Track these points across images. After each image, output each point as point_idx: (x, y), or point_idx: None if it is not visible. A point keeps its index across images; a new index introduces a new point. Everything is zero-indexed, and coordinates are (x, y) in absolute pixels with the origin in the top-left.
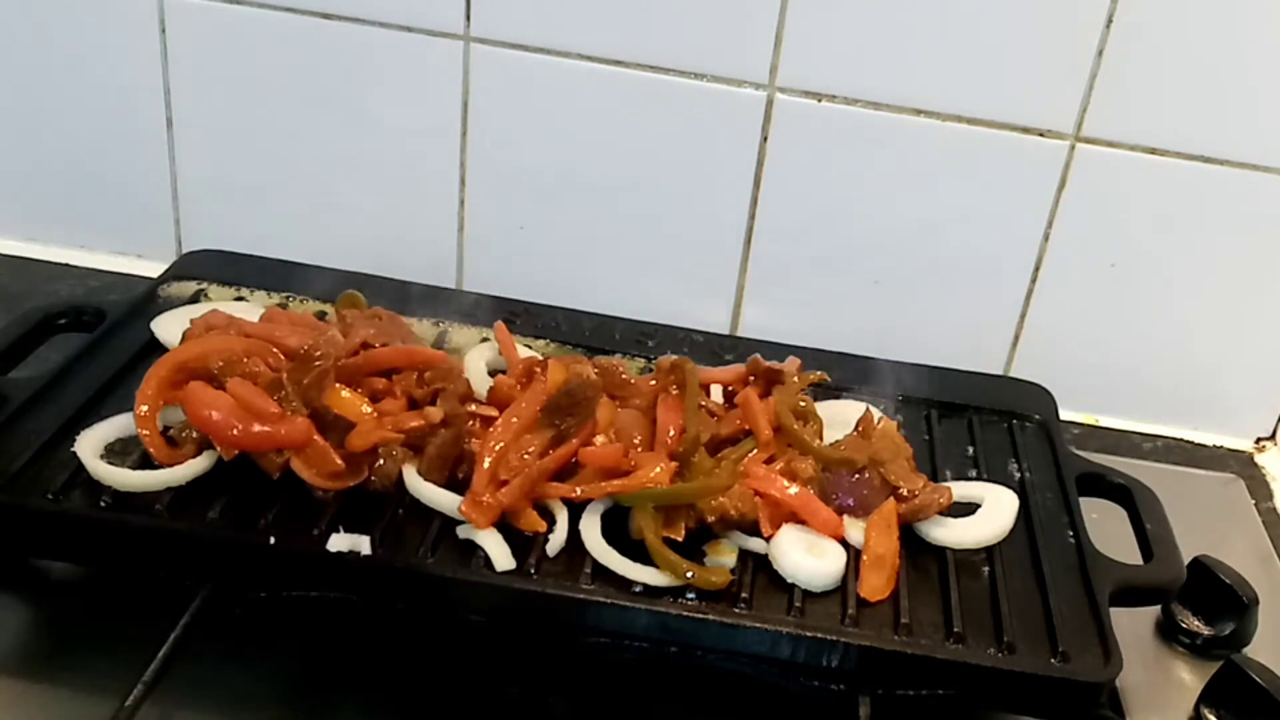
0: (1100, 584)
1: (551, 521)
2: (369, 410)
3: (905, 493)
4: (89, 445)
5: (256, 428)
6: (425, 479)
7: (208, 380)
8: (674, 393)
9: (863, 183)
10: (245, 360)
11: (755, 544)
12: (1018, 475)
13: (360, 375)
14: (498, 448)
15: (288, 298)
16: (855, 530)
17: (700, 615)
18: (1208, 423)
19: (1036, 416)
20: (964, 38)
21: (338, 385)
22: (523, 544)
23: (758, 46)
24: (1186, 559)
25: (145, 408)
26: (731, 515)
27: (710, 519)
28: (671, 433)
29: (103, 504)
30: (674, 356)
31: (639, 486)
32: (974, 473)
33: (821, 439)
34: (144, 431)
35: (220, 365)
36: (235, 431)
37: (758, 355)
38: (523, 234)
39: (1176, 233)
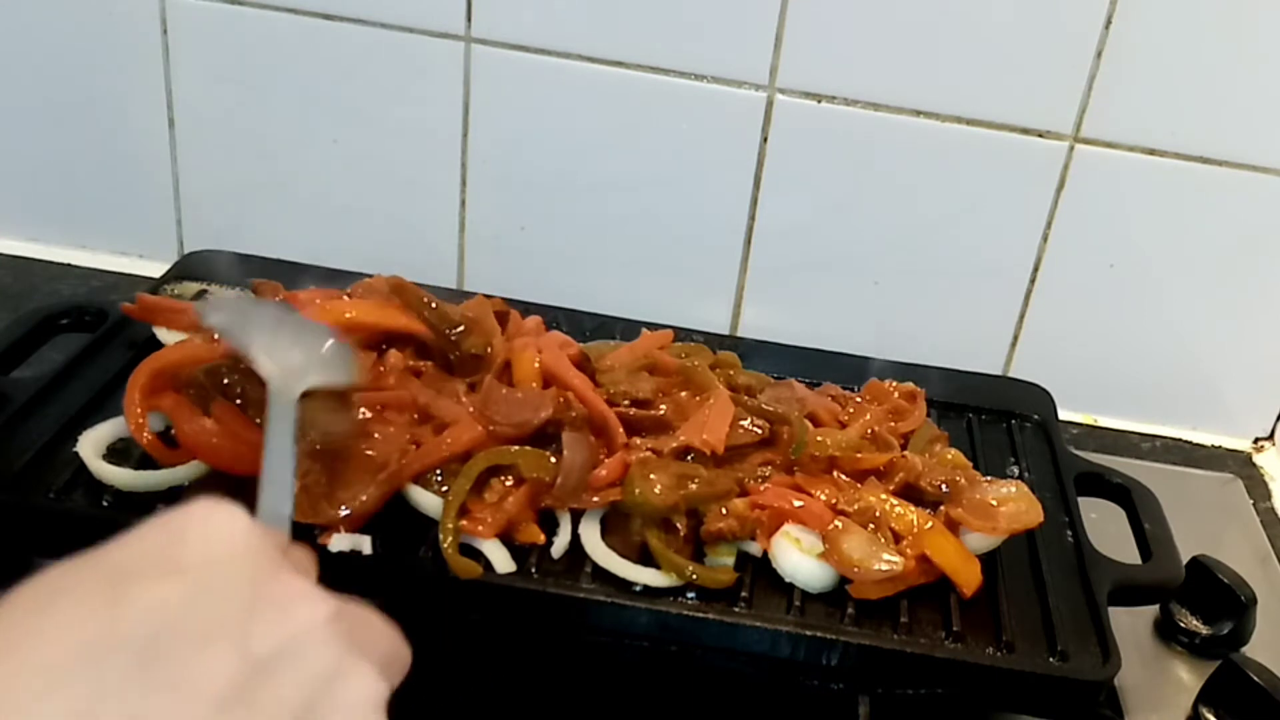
0: (1099, 583)
1: (554, 524)
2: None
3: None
4: (91, 445)
5: (245, 450)
6: None
7: (191, 387)
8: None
9: (863, 183)
10: (231, 364)
11: (755, 544)
12: (1016, 475)
13: None
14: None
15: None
16: None
17: (700, 615)
18: (1206, 423)
19: (1035, 416)
20: (963, 38)
21: None
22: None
23: (758, 47)
24: (1185, 559)
25: (135, 413)
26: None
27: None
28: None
29: (105, 503)
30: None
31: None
32: None
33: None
34: (139, 437)
35: (205, 371)
36: (225, 455)
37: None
38: (523, 234)
39: (1176, 233)
